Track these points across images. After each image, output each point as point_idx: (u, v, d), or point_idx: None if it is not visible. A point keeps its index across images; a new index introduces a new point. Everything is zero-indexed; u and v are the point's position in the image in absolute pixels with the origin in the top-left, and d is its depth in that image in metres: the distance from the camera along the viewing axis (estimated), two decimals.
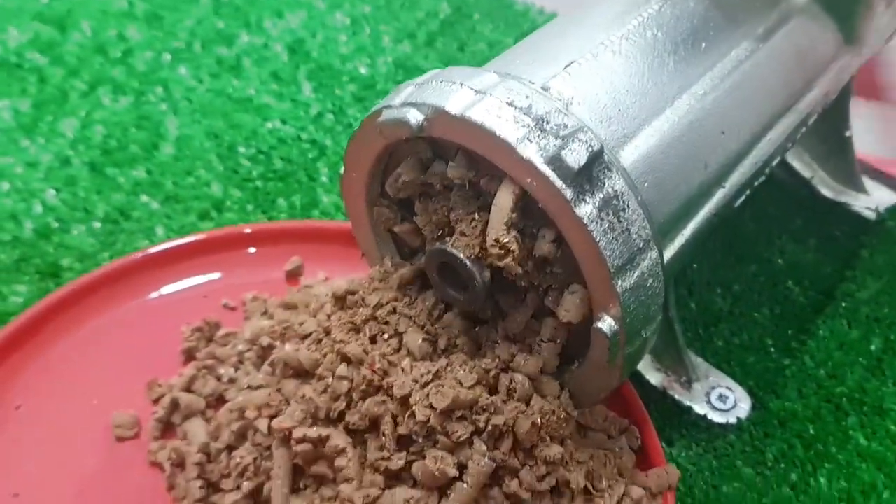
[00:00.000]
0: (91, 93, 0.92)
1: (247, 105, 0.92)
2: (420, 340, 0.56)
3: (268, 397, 0.58)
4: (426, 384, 0.53)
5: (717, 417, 0.67)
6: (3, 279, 0.74)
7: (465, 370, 0.54)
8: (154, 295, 0.71)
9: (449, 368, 0.54)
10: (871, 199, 0.84)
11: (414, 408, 0.52)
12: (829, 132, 0.81)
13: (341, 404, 0.55)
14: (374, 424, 0.55)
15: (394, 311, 0.58)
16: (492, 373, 0.55)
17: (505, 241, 0.51)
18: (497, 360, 0.55)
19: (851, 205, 0.84)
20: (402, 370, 0.55)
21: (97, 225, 0.79)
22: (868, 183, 0.85)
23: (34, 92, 0.92)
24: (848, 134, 0.81)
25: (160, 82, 0.94)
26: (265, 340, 0.63)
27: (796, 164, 0.85)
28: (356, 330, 0.58)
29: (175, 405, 0.63)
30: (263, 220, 0.81)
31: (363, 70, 0.98)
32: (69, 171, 0.84)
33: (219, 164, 0.86)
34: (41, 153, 0.85)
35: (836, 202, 0.85)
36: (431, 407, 0.52)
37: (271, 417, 0.57)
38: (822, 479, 0.64)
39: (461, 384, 0.53)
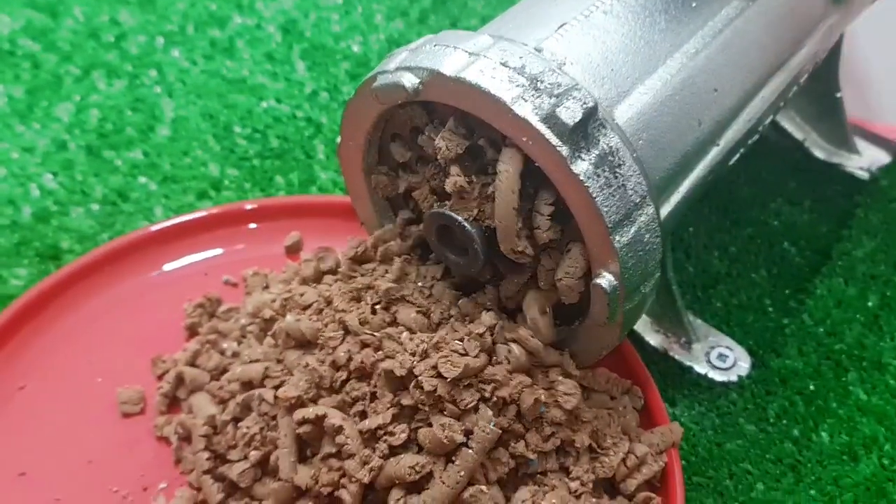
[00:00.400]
0: (85, 77, 0.93)
1: (241, 86, 0.92)
2: (413, 313, 0.57)
3: (264, 370, 0.59)
4: (426, 355, 0.54)
5: (717, 376, 0.68)
6: (3, 263, 0.74)
7: (466, 340, 0.54)
8: (155, 273, 0.72)
9: (447, 339, 0.54)
10: (864, 160, 0.85)
11: (420, 378, 0.53)
12: (819, 93, 0.82)
13: (343, 374, 0.56)
14: (373, 396, 0.55)
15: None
16: (488, 341, 0.55)
17: (519, 248, 0.52)
18: (492, 328, 0.56)
19: (844, 165, 0.85)
20: (401, 342, 0.55)
21: (96, 207, 0.79)
22: (860, 143, 0.85)
23: (28, 78, 0.92)
24: (839, 95, 0.82)
25: (154, 65, 0.94)
26: (267, 313, 0.63)
27: (789, 127, 0.86)
28: (357, 299, 0.59)
29: (180, 380, 0.63)
30: (262, 198, 0.81)
31: (356, 48, 0.98)
32: (66, 155, 0.84)
33: (215, 145, 0.86)
34: (37, 138, 0.85)
35: (829, 163, 0.85)
36: (440, 376, 0.53)
37: (276, 387, 0.58)
38: (823, 434, 0.65)
39: (467, 353, 0.54)
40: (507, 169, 0.51)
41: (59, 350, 0.66)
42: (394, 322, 0.57)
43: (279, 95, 0.92)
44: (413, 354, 0.54)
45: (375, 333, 0.56)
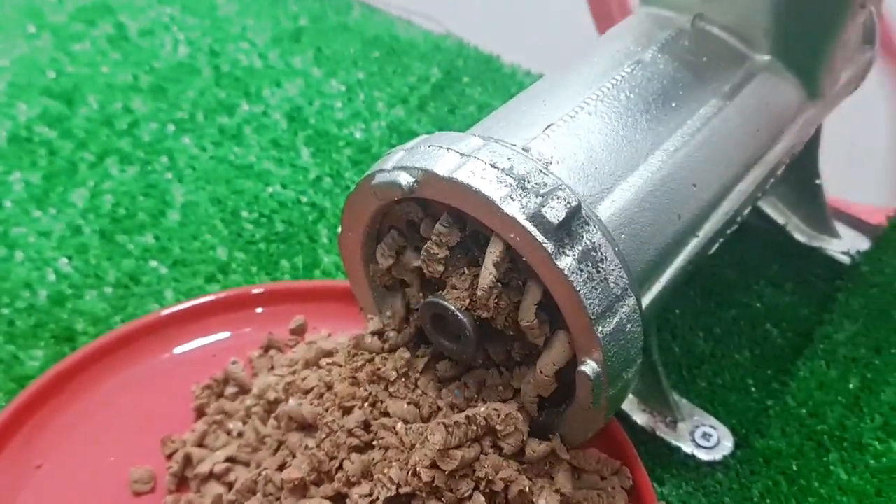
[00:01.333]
0: (99, 164, 0.97)
1: (248, 171, 0.97)
2: (405, 405, 0.60)
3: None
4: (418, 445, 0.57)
5: (702, 455, 0.71)
6: (20, 345, 0.78)
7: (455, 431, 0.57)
8: (166, 355, 0.75)
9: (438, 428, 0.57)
10: (844, 243, 0.88)
11: (418, 468, 0.56)
12: (799, 181, 0.85)
13: (341, 456, 0.59)
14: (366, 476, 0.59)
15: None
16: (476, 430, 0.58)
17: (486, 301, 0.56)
18: (480, 417, 0.59)
19: (825, 249, 0.88)
20: (395, 431, 0.59)
21: (109, 290, 0.83)
22: (840, 227, 0.89)
23: (44, 164, 0.96)
24: (818, 182, 0.85)
25: (165, 152, 0.99)
26: (272, 395, 0.66)
27: (771, 212, 0.89)
28: (356, 384, 0.62)
29: (188, 460, 0.66)
30: (268, 281, 0.84)
31: (358, 134, 1.02)
32: (80, 240, 0.88)
33: (223, 229, 0.90)
34: (53, 223, 0.89)
35: (811, 247, 0.88)
36: (435, 466, 0.56)
37: (280, 468, 0.61)
38: None
39: (464, 445, 0.57)
40: (492, 251, 0.54)
41: (74, 430, 0.69)
42: (386, 413, 0.60)
43: (285, 181, 0.96)
44: (409, 447, 0.57)
45: (372, 424, 0.59)
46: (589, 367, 0.55)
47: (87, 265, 0.85)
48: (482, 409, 0.58)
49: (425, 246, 0.57)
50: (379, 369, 0.62)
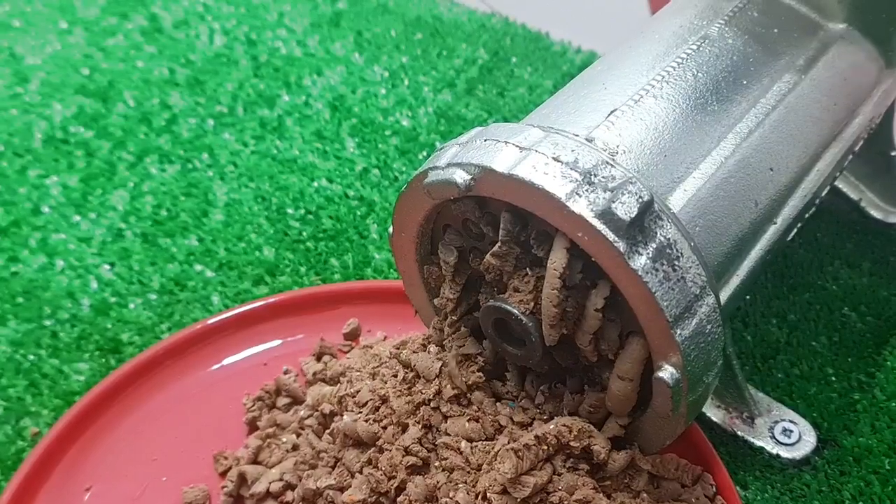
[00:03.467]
0: (138, 163, 0.94)
1: (292, 166, 0.93)
2: (466, 423, 0.57)
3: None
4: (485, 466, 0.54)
5: (782, 452, 0.67)
6: (64, 358, 0.75)
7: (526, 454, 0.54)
8: (215, 366, 0.72)
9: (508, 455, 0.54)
10: None
11: (489, 494, 0.52)
12: (874, 154, 0.80)
13: (400, 476, 0.56)
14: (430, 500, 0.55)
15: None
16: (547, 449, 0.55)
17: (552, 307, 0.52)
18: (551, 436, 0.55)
19: None
20: (460, 450, 0.55)
21: (153, 297, 0.80)
22: None
23: (82, 166, 0.94)
24: (894, 154, 0.81)
25: (205, 148, 0.96)
26: (326, 408, 0.63)
27: (843, 187, 0.84)
28: (413, 405, 0.59)
29: (242, 478, 0.63)
30: (317, 281, 0.81)
31: (405, 122, 0.99)
32: (122, 245, 0.85)
33: (269, 228, 0.87)
34: (94, 228, 0.87)
35: (887, 223, 0.83)
36: (506, 492, 0.52)
37: (341, 489, 0.58)
38: None
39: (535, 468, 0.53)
40: (555, 259, 0.50)
41: (123, 450, 0.67)
42: (446, 430, 0.57)
43: (330, 175, 0.92)
44: (476, 468, 0.54)
45: (433, 442, 0.56)
46: (667, 372, 0.51)
47: (130, 271, 0.83)
48: (552, 426, 0.54)
49: (492, 250, 0.54)
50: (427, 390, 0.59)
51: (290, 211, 0.88)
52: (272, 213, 0.88)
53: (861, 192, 0.85)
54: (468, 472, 0.54)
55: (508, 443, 0.54)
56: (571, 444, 0.54)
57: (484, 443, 0.56)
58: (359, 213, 0.88)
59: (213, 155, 0.95)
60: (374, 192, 0.90)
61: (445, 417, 0.57)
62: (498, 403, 0.58)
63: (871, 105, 0.68)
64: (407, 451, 0.56)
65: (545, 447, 0.53)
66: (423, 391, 0.58)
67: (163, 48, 1.10)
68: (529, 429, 0.56)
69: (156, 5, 1.16)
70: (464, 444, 0.55)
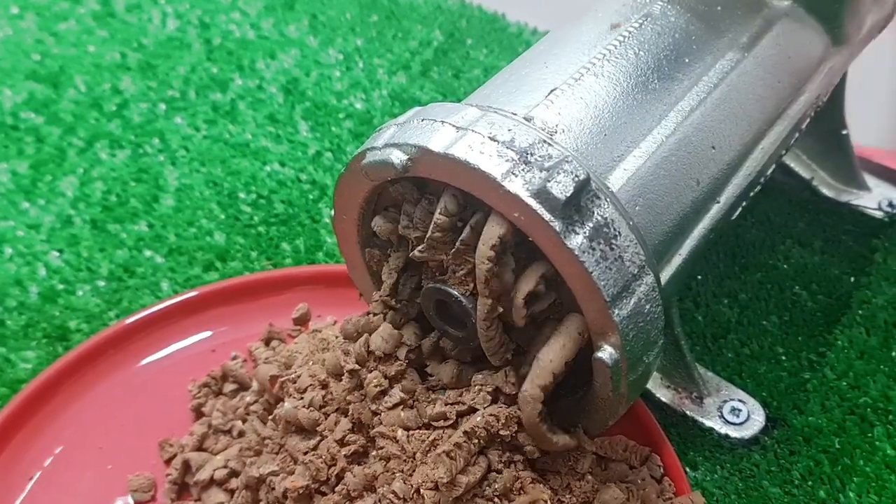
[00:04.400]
0: (88, 149, 0.93)
1: (244, 150, 0.92)
2: (401, 412, 0.56)
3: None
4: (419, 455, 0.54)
5: (731, 432, 0.67)
6: (11, 346, 0.74)
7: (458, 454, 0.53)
8: (163, 353, 0.71)
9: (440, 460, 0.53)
10: (873, 196, 0.83)
11: (422, 490, 0.52)
12: (825, 132, 0.80)
13: (340, 465, 0.55)
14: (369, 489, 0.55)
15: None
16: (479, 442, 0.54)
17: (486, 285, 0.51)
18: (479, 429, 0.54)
19: (854, 203, 0.83)
20: (395, 439, 0.55)
21: (102, 284, 0.79)
22: (869, 179, 0.84)
23: (32, 152, 0.92)
24: (844, 132, 0.81)
25: (156, 133, 0.95)
26: (269, 394, 0.63)
27: (795, 166, 0.84)
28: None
29: (187, 466, 0.62)
30: (268, 266, 0.81)
31: (359, 105, 0.98)
32: (71, 231, 0.84)
33: (220, 213, 0.86)
34: (42, 214, 0.86)
35: (839, 202, 0.84)
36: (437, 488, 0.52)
37: (283, 474, 0.57)
38: (851, 494, 0.63)
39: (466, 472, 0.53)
40: (486, 237, 0.50)
41: (68, 437, 0.66)
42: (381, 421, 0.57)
43: (283, 159, 0.91)
44: (411, 456, 0.53)
45: (371, 431, 0.55)
46: (606, 352, 0.51)
47: (78, 258, 0.82)
48: (479, 418, 0.54)
49: (428, 236, 0.53)
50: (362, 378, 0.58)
51: (241, 195, 0.88)
52: (223, 198, 0.87)
53: (813, 171, 0.85)
54: (405, 461, 0.54)
55: (438, 444, 0.54)
56: (501, 432, 0.53)
57: (420, 431, 0.55)
58: (311, 197, 0.87)
59: (165, 140, 0.94)
60: (326, 175, 0.89)
61: (375, 413, 0.57)
62: (432, 391, 0.58)
63: (816, 82, 0.68)
64: (342, 442, 0.56)
65: (476, 440, 0.53)
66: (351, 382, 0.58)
67: (115, 32, 1.08)
68: (459, 422, 0.55)
69: None
70: (399, 432, 0.55)
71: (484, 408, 0.54)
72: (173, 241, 0.83)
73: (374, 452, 0.55)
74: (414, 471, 0.53)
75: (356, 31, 1.09)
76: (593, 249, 0.48)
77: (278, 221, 0.85)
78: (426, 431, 0.55)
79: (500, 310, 0.52)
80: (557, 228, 0.48)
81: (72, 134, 0.94)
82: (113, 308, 0.77)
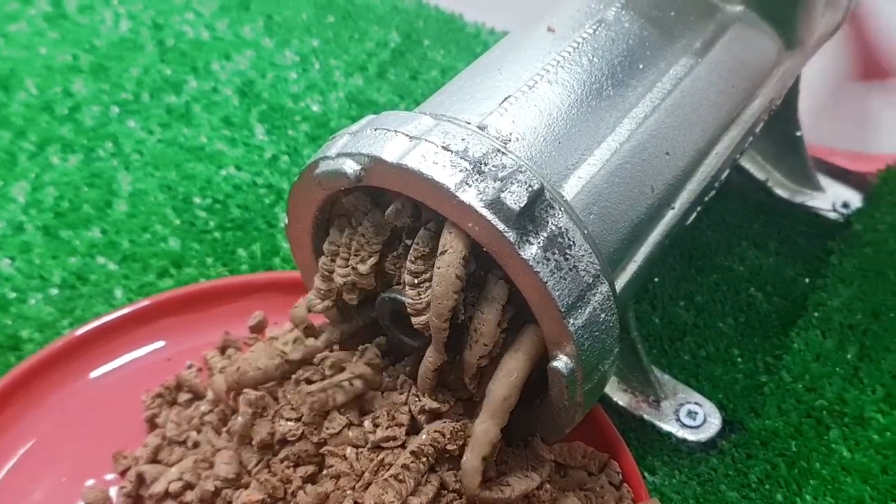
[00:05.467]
0: (40, 153, 0.91)
1: (199, 153, 0.91)
2: (349, 432, 0.56)
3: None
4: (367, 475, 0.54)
5: (688, 436, 0.67)
6: None
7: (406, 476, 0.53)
8: (117, 363, 0.70)
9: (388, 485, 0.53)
10: (827, 197, 0.84)
11: None
12: (778, 134, 0.81)
13: (295, 484, 0.55)
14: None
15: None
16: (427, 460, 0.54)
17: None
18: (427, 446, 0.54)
19: (809, 204, 0.84)
20: (345, 457, 0.54)
21: (54, 292, 0.78)
22: (823, 180, 0.85)
23: None
24: (798, 134, 0.81)
25: (109, 137, 0.93)
26: (223, 403, 0.62)
27: (750, 167, 0.85)
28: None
29: (141, 479, 0.62)
30: (224, 272, 0.80)
31: (315, 108, 0.97)
32: (23, 238, 0.82)
33: (175, 218, 0.84)
34: None
35: (794, 203, 0.84)
36: None
37: (237, 485, 0.57)
38: (808, 497, 0.63)
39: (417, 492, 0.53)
40: (448, 255, 0.50)
41: (21, 449, 0.65)
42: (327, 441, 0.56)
43: (238, 162, 0.90)
44: (360, 475, 0.53)
45: (322, 450, 0.55)
46: (561, 362, 0.51)
47: (30, 265, 0.80)
48: (424, 436, 0.53)
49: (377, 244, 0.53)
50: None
51: (196, 200, 0.86)
52: (178, 203, 0.86)
53: (768, 173, 0.86)
54: (355, 479, 0.54)
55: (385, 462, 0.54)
56: (448, 447, 0.53)
57: (368, 450, 0.55)
58: (267, 201, 0.86)
59: (118, 143, 0.92)
60: (283, 179, 0.88)
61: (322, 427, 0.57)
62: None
63: (770, 86, 0.68)
64: (296, 460, 0.56)
65: (424, 459, 0.53)
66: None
67: (66, 34, 1.06)
68: (407, 441, 0.55)
69: None
70: (349, 450, 0.55)
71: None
72: (127, 247, 0.82)
73: (323, 472, 0.55)
74: (365, 489, 0.52)
75: (312, 31, 1.08)
76: (548, 260, 0.48)
77: (234, 226, 0.84)
78: (375, 452, 0.54)
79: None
80: (512, 239, 0.47)
81: (22, 138, 0.93)
82: (66, 317, 0.76)
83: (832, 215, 0.83)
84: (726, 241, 0.82)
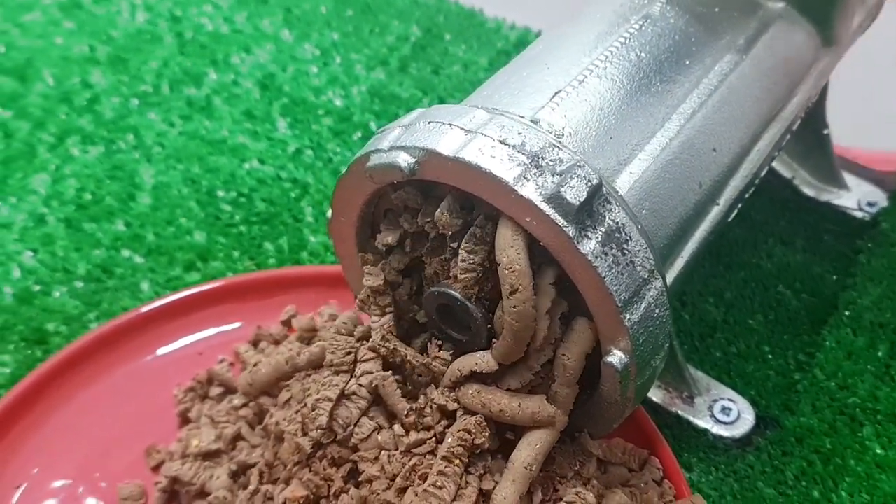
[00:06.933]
0: (59, 145, 0.91)
1: (222, 146, 0.91)
2: (378, 436, 0.56)
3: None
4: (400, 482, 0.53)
5: (723, 432, 0.67)
6: None
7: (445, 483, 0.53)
8: (148, 357, 0.70)
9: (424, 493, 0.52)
10: (853, 196, 0.85)
11: None
12: (807, 132, 0.81)
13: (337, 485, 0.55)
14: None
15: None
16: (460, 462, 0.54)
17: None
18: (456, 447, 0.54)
19: (835, 202, 0.84)
20: (378, 460, 0.55)
21: (79, 285, 0.77)
22: (849, 179, 0.85)
23: (1, 148, 0.90)
24: (826, 132, 0.81)
25: (130, 129, 0.93)
26: (262, 397, 0.62)
27: (777, 165, 0.85)
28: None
29: (175, 480, 0.61)
30: (251, 266, 0.79)
31: (338, 102, 0.97)
32: (45, 230, 0.82)
33: (199, 211, 0.84)
34: (14, 213, 0.83)
35: (820, 201, 0.85)
36: None
37: (274, 481, 0.57)
38: (843, 494, 0.64)
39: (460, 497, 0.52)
40: (514, 251, 0.49)
41: (55, 445, 0.64)
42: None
43: (262, 156, 0.90)
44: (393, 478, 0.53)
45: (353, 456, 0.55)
46: (616, 357, 0.50)
47: (54, 258, 0.79)
48: (450, 439, 0.53)
49: (432, 236, 0.52)
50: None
51: (220, 193, 0.86)
52: (202, 196, 0.86)
53: (794, 170, 0.86)
54: (388, 482, 0.54)
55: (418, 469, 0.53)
56: (476, 442, 0.53)
57: (400, 454, 0.55)
58: (293, 195, 0.86)
59: (139, 136, 0.92)
60: (307, 173, 0.88)
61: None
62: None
63: (808, 84, 0.68)
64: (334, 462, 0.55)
65: (458, 461, 0.53)
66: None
67: (82, 24, 1.06)
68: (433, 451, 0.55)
69: None
70: (382, 454, 0.54)
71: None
72: (152, 240, 0.81)
73: (360, 478, 0.55)
74: (399, 493, 0.52)
75: (332, 25, 1.07)
76: (606, 255, 0.48)
77: (260, 220, 0.83)
78: (407, 454, 0.54)
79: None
80: (571, 234, 0.47)
81: (41, 129, 0.92)
82: (92, 310, 0.75)
83: (858, 214, 0.83)
84: (753, 239, 0.82)
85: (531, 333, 0.51)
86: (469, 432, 0.53)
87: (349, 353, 0.57)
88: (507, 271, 0.49)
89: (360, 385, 0.56)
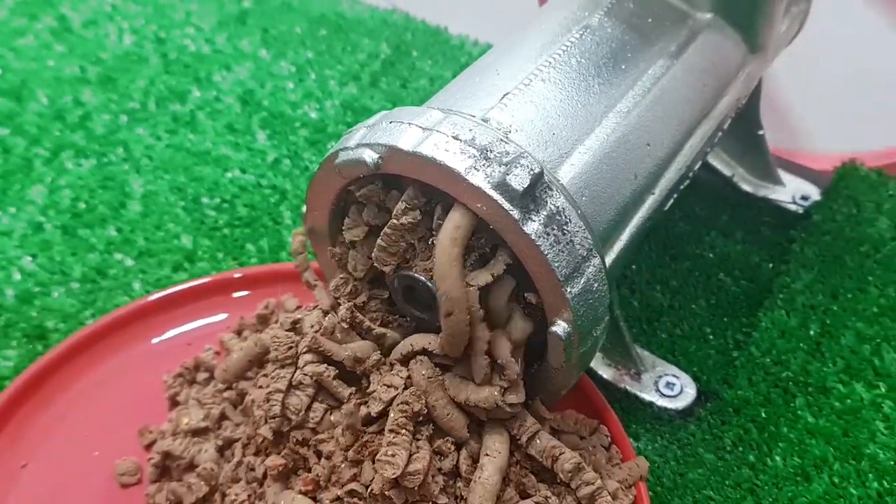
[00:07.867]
0: (54, 159, 0.97)
1: (206, 157, 0.97)
2: (330, 418, 0.62)
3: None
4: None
5: (667, 404, 0.74)
6: None
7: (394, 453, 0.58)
8: (141, 347, 0.76)
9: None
10: (788, 191, 0.91)
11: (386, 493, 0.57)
12: (743, 132, 0.88)
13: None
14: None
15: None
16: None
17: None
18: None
19: (771, 197, 0.91)
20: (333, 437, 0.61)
21: (76, 286, 0.84)
22: (784, 175, 0.92)
23: (0, 162, 0.96)
24: (760, 132, 0.88)
25: (120, 143, 0.99)
26: (241, 382, 0.68)
27: (717, 164, 0.92)
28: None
29: (167, 454, 0.67)
30: (235, 266, 0.86)
31: (313, 114, 1.03)
32: (43, 237, 0.88)
33: (186, 217, 0.90)
34: (14, 222, 0.90)
35: (757, 196, 0.92)
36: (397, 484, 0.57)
37: (256, 454, 0.63)
38: (777, 458, 0.70)
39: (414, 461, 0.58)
40: (450, 281, 0.55)
41: (56, 428, 0.70)
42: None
43: (243, 165, 0.96)
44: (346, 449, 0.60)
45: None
46: (560, 327, 0.56)
47: (51, 262, 0.86)
48: (392, 414, 0.58)
49: (397, 223, 0.58)
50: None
51: (205, 200, 0.92)
52: (188, 203, 0.92)
53: (733, 168, 0.92)
54: (344, 456, 0.59)
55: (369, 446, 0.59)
56: (415, 409, 0.58)
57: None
58: (272, 200, 0.92)
59: (128, 149, 0.98)
60: (285, 180, 0.95)
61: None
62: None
63: (737, 86, 0.75)
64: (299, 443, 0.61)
65: (403, 431, 0.58)
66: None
67: (73, 47, 1.12)
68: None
69: (64, 6, 1.19)
70: (337, 430, 0.60)
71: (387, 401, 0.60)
72: (142, 244, 0.88)
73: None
74: (355, 464, 0.59)
75: (306, 44, 1.14)
76: (547, 234, 0.54)
77: (242, 224, 0.90)
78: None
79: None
80: (516, 216, 0.53)
81: (37, 144, 0.98)
82: (88, 308, 0.82)
83: (792, 207, 0.90)
84: (697, 232, 0.89)
85: (466, 340, 0.57)
86: (407, 403, 0.59)
87: (290, 347, 0.63)
88: (444, 298, 0.55)
89: (305, 374, 0.62)
